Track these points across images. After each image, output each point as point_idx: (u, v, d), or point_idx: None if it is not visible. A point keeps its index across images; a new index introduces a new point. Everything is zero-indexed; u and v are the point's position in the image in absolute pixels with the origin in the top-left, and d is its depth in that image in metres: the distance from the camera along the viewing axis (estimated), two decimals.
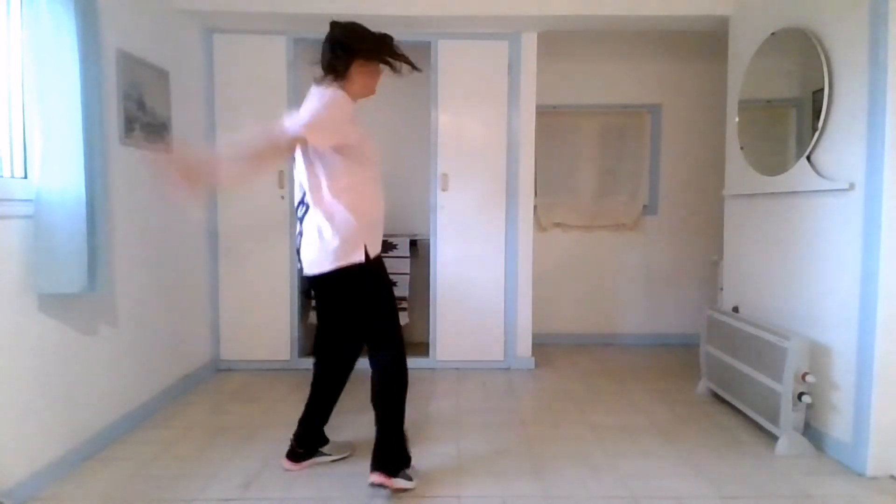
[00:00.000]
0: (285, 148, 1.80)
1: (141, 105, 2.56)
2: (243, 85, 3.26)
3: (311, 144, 1.83)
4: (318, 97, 1.86)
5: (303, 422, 2.16)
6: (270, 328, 3.34)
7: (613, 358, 3.69)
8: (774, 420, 2.30)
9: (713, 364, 2.85)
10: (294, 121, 1.77)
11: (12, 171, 1.96)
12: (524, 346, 3.43)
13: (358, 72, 1.95)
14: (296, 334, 3.34)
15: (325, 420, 2.19)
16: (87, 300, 2.18)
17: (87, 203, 2.00)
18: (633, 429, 2.50)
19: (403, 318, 3.50)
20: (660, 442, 2.36)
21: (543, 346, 3.80)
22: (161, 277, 2.76)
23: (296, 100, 3.30)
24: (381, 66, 1.98)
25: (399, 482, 1.92)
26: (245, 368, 3.33)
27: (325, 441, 2.21)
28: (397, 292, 3.50)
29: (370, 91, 2.01)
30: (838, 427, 2.18)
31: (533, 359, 3.43)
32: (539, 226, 3.98)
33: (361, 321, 1.99)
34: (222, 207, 3.28)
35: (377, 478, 1.90)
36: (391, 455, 1.94)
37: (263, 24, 3.18)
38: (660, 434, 2.44)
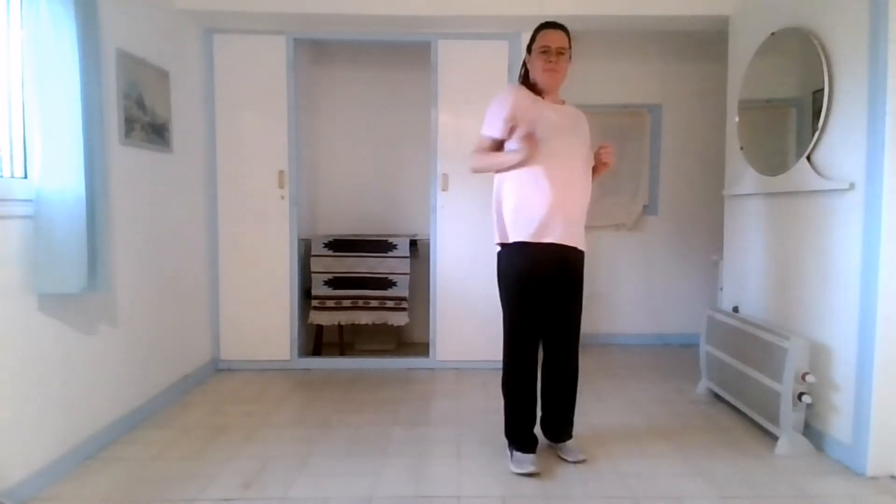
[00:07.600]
0: (488, 148, 2.15)
1: (141, 105, 2.56)
2: (243, 85, 3.26)
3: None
4: None
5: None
6: (270, 328, 3.34)
7: (613, 358, 3.69)
8: (774, 420, 2.30)
9: (713, 364, 2.85)
10: None
11: (12, 171, 1.96)
12: None
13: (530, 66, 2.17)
14: (296, 334, 3.34)
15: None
16: (87, 300, 2.17)
17: (87, 203, 2.00)
18: (633, 429, 2.50)
19: (403, 319, 3.54)
20: (660, 442, 2.36)
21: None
22: (161, 277, 2.76)
23: (296, 100, 3.31)
24: (539, 51, 2.11)
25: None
26: (245, 368, 3.33)
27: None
28: (396, 292, 3.54)
29: (544, 80, 2.12)
30: (838, 427, 2.18)
31: None
32: None
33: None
34: (222, 207, 3.29)
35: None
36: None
37: (263, 24, 3.18)
38: (660, 434, 2.44)
